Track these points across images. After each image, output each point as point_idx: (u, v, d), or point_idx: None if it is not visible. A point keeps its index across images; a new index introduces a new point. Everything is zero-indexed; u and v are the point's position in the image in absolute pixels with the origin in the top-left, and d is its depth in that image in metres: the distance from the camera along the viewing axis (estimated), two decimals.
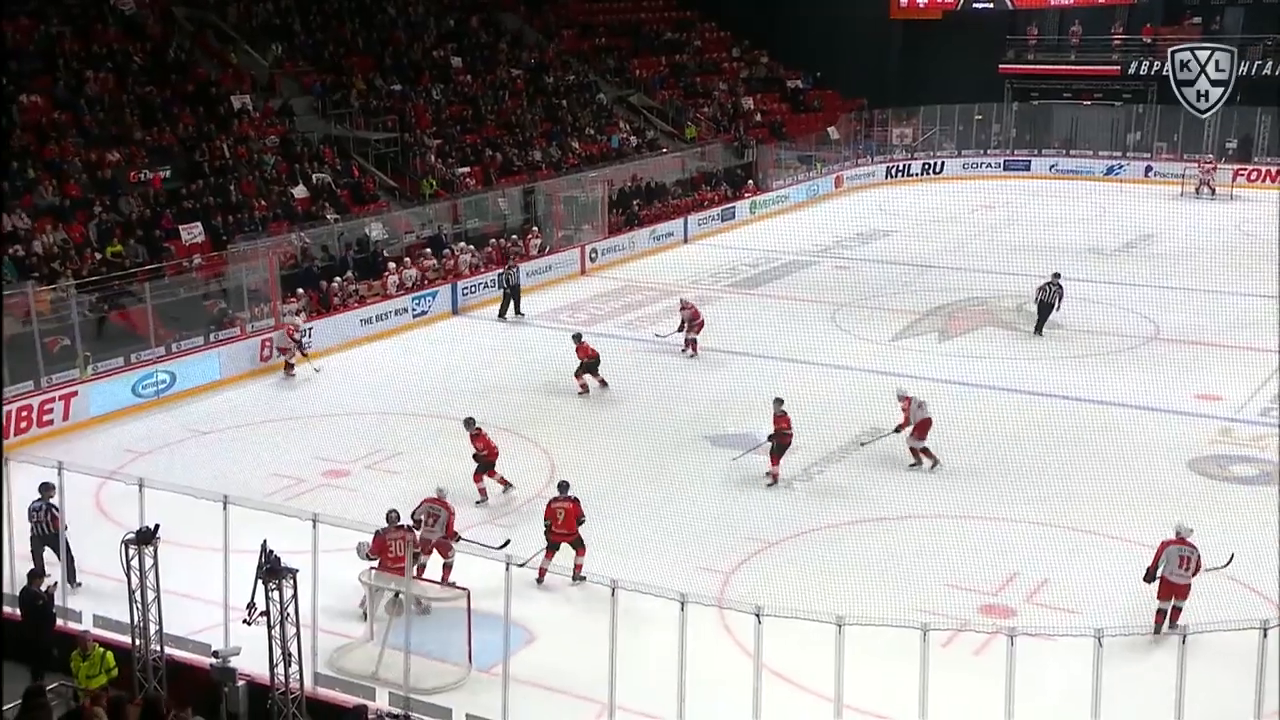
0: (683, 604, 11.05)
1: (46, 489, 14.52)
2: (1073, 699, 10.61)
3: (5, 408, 19.91)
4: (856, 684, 10.75)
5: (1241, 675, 10.88)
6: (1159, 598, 13.60)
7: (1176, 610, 13.53)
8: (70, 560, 14.76)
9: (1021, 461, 18.79)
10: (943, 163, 45.83)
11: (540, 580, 14.84)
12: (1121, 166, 44.67)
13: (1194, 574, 13.56)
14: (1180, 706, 10.39)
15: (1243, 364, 23.27)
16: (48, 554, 14.62)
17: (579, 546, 15.07)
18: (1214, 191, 40.53)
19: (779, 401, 18.49)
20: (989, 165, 45.94)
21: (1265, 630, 10.45)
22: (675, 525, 16.81)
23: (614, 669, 11.36)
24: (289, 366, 23.76)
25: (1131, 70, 46.28)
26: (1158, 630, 13.42)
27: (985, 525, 16.62)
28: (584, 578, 14.52)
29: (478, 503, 17.38)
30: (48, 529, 14.68)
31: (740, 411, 21.12)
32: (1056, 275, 25.93)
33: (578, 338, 22.85)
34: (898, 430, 18.89)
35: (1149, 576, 13.67)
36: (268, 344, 24.31)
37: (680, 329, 24.94)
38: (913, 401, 18.88)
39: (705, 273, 32.20)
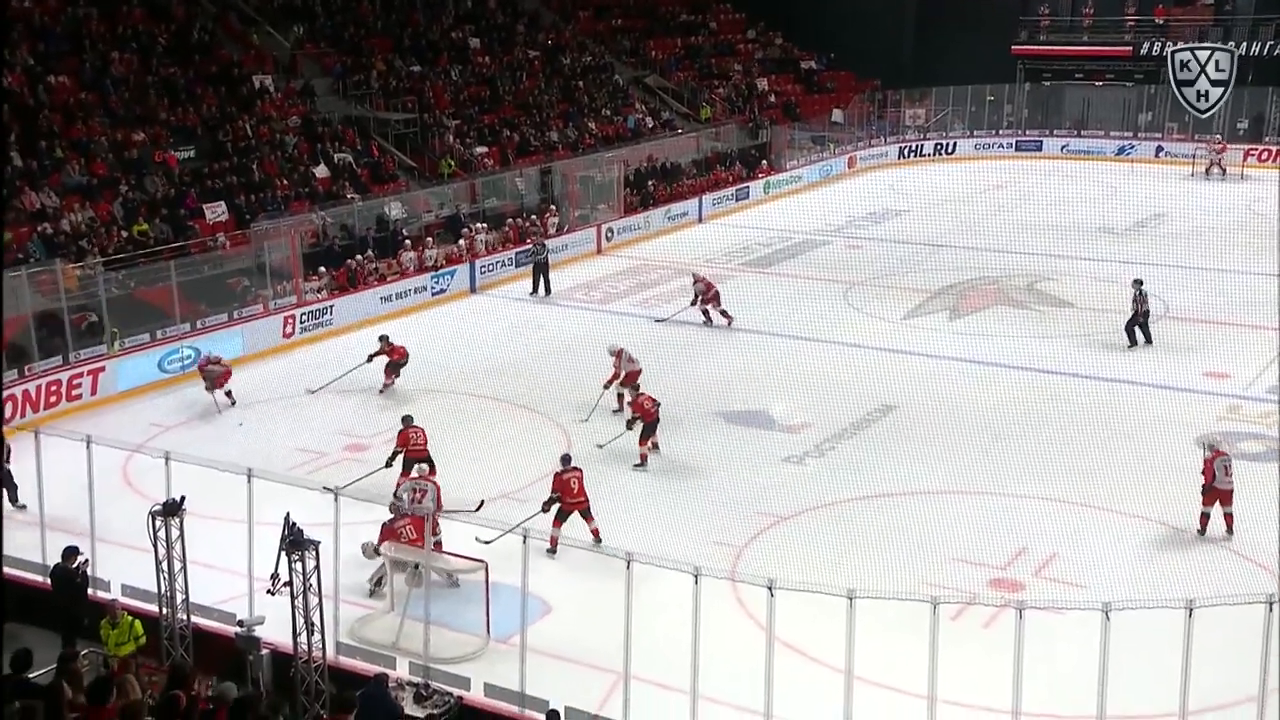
0: (696, 577, 11.08)
1: None
2: (1080, 671, 10.62)
3: (35, 383, 20.10)
4: (867, 656, 10.78)
5: (1247, 649, 10.87)
6: (1205, 504, 15.37)
7: (1229, 516, 15.33)
8: (14, 487, 15.85)
9: (1031, 438, 18.78)
10: (955, 143, 45.58)
11: (554, 550, 14.84)
12: (1133, 147, 44.40)
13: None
14: (1186, 679, 10.38)
15: (1251, 342, 23.13)
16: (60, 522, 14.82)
17: (589, 514, 15.20)
18: (1224, 172, 40.28)
19: (636, 388, 18.58)
20: (1001, 146, 45.69)
21: (1271, 605, 10.44)
22: (689, 500, 16.85)
23: (629, 640, 11.39)
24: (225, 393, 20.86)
25: (1143, 51, 45.93)
26: (1202, 532, 15.38)
27: (994, 501, 16.59)
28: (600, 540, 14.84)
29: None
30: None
31: (753, 388, 21.13)
32: (1139, 282, 23.46)
33: (385, 339, 21.66)
34: (607, 386, 19.58)
35: (1206, 488, 15.34)
36: (290, 320, 24.39)
37: (694, 303, 24.99)
38: (623, 354, 19.61)
39: (719, 252, 32.14)
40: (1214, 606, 10.70)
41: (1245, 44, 44.61)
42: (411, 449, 16.60)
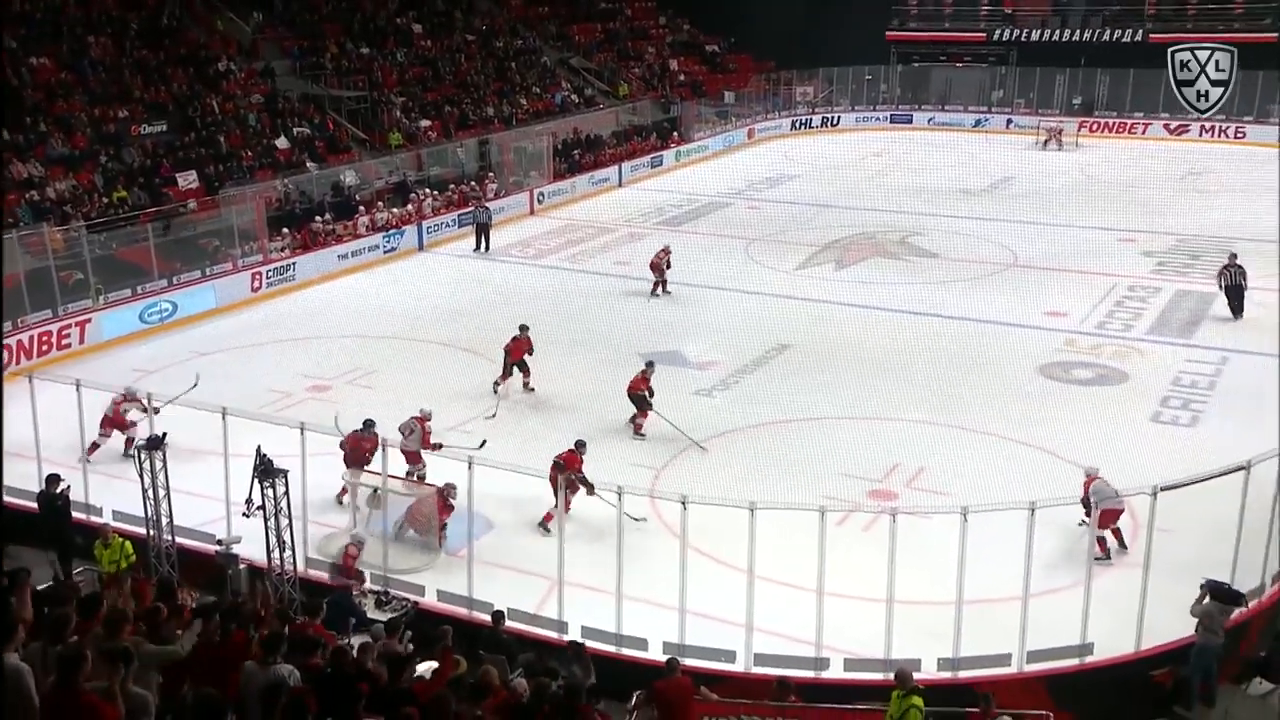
0: (619, 494, 11.12)
1: None
2: (943, 564, 10.87)
3: (28, 334, 19.44)
4: (766, 557, 10.90)
5: (1078, 540, 11.23)
6: (1100, 527, 12.36)
7: (1117, 531, 12.85)
8: None
9: (904, 370, 19.02)
10: (839, 117, 45.72)
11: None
12: (987, 119, 44.95)
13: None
14: (1029, 566, 10.71)
15: (1084, 286, 23.69)
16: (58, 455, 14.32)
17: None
18: (1061, 144, 40.89)
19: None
20: (878, 119, 45.92)
21: (1097, 503, 10.76)
22: (613, 428, 16.83)
23: (562, 550, 11.43)
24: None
25: (995, 37, 46.55)
26: (1105, 556, 12.54)
27: (873, 424, 16.84)
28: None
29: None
30: None
31: (668, 332, 21.14)
32: (1234, 256, 21.60)
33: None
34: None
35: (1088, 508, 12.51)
36: (257, 276, 23.82)
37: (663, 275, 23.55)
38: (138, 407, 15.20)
39: (637, 213, 31.95)
40: (1051, 507, 11.01)
41: (1079, 31, 45.33)
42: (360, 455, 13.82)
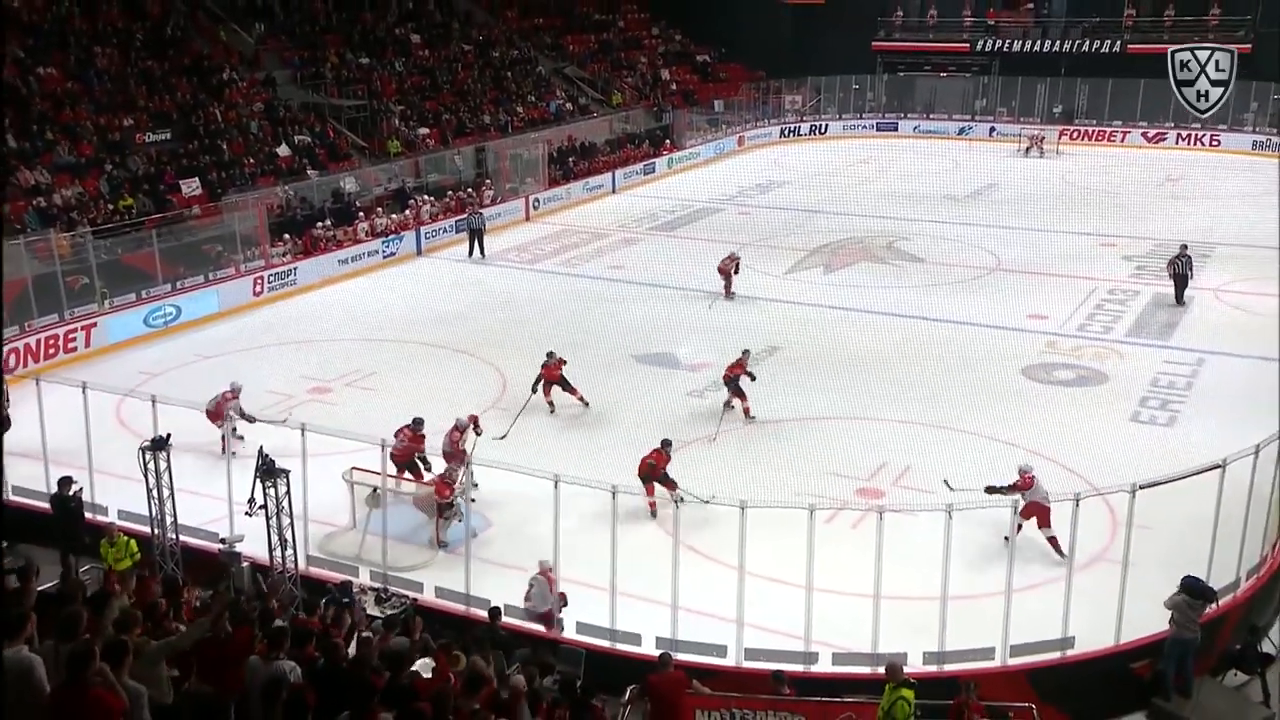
0: (614, 494, 11.11)
1: None
2: (929, 560, 10.89)
3: (35, 338, 19.38)
4: (756, 554, 10.91)
5: (1059, 534, 11.22)
6: (1023, 516, 12.55)
7: (1053, 540, 12.56)
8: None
9: (890, 371, 19.04)
10: (827, 125, 45.77)
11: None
12: (970, 127, 45.04)
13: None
14: (1011, 561, 10.73)
15: (1065, 289, 23.74)
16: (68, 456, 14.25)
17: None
18: (1042, 152, 40.99)
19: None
20: (864, 127, 45.99)
21: (1078, 500, 10.81)
22: (607, 429, 16.82)
23: (557, 547, 11.40)
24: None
25: (978, 48, 46.64)
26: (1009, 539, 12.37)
27: (861, 424, 16.84)
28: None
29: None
30: None
31: (661, 335, 21.13)
32: (1184, 247, 22.79)
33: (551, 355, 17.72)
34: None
35: (1014, 492, 12.60)
36: (259, 281, 23.78)
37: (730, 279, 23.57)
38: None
39: (630, 219, 31.96)
40: None
41: (1059, 42, 45.45)
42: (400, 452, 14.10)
